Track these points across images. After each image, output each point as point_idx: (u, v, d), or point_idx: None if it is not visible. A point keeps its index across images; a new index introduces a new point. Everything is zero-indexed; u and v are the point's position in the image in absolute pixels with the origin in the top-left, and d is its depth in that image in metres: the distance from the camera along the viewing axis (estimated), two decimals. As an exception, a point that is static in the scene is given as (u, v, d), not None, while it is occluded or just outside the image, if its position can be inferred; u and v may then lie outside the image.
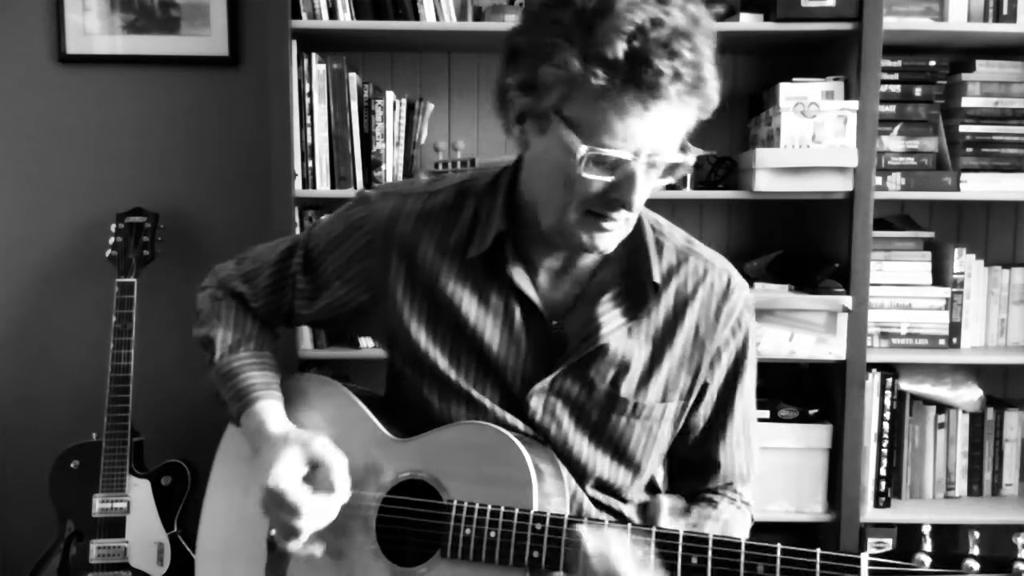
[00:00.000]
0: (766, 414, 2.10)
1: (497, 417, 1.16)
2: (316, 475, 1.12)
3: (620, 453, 1.19)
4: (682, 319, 1.18)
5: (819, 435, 2.10)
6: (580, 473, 1.18)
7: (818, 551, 0.97)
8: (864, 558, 0.96)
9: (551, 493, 1.11)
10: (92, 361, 2.30)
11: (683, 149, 1.06)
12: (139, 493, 2.10)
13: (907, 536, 2.14)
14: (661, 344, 1.17)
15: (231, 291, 1.31)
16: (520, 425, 1.16)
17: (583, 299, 1.17)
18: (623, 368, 1.16)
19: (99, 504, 2.08)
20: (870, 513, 2.13)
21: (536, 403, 1.16)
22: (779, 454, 2.09)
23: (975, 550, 0.94)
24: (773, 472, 2.08)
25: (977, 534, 0.95)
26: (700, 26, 0.98)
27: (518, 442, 1.10)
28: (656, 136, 1.00)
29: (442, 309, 1.18)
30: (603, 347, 1.15)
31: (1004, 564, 0.92)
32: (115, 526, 2.09)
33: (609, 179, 1.02)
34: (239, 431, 1.23)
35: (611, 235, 1.08)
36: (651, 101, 0.97)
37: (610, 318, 1.15)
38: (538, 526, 1.06)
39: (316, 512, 1.10)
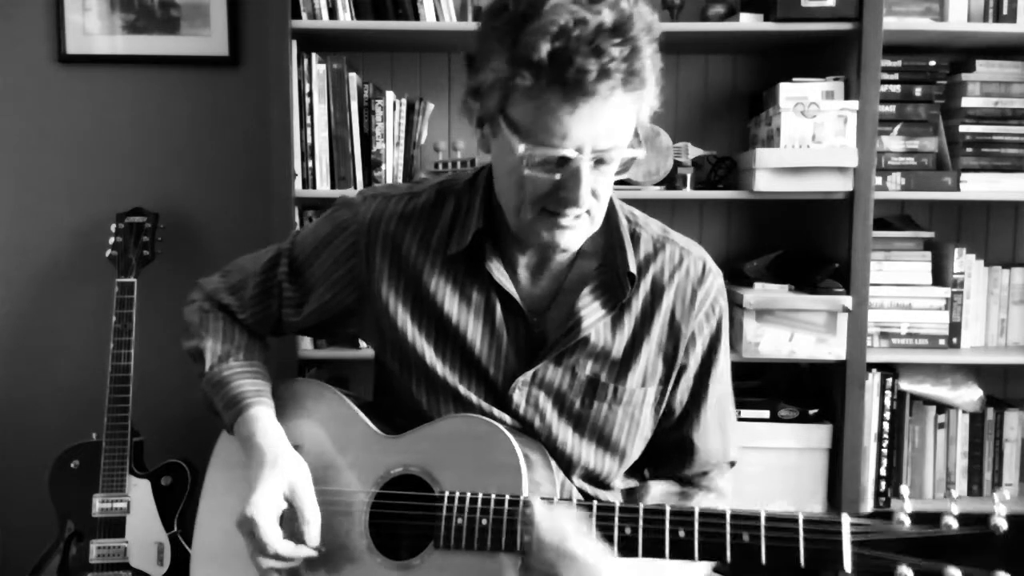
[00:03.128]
0: (766, 414, 2.10)
1: (484, 411, 1.18)
2: (291, 514, 1.14)
3: (604, 441, 1.21)
4: (659, 305, 1.20)
5: (819, 435, 2.09)
6: (566, 464, 1.20)
7: (800, 514, 0.99)
8: (845, 519, 0.97)
9: (540, 481, 1.13)
10: (92, 361, 2.30)
11: (634, 142, 1.08)
12: (139, 493, 2.10)
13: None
14: (640, 330, 1.20)
15: (218, 303, 1.34)
16: (507, 419, 1.18)
17: (562, 294, 1.19)
18: (603, 356, 1.18)
19: (99, 504, 2.08)
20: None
21: (519, 396, 1.18)
22: (779, 454, 2.09)
23: (954, 509, 0.96)
24: (773, 472, 2.08)
25: (955, 492, 0.97)
26: (632, 21, 0.99)
27: (506, 431, 1.12)
28: (598, 132, 1.01)
29: (426, 305, 1.20)
30: (585, 339, 1.17)
31: (982, 518, 0.94)
32: (115, 526, 2.08)
33: (556, 177, 1.04)
34: (233, 438, 1.25)
35: (572, 232, 1.10)
36: (580, 99, 0.98)
37: (591, 311, 1.17)
38: (528, 511, 1.07)
39: (280, 555, 1.12)
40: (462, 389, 1.19)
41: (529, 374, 1.18)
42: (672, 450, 1.28)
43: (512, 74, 0.99)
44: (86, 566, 2.07)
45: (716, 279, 1.24)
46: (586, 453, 1.20)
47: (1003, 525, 0.92)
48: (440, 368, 1.19)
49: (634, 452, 1.24)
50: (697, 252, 1.25)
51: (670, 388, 1.23)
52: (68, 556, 2.08)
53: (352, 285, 1.24)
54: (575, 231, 1.10)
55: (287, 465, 1.16)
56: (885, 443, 2.15)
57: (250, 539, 1.12)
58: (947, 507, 0.96)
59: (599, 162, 1.04)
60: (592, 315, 1.17)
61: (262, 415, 1.22)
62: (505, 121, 1.04)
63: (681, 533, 1.02)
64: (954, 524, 0.94)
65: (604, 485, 1.24)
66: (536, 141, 1.01)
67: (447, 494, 1.11)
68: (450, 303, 1.19)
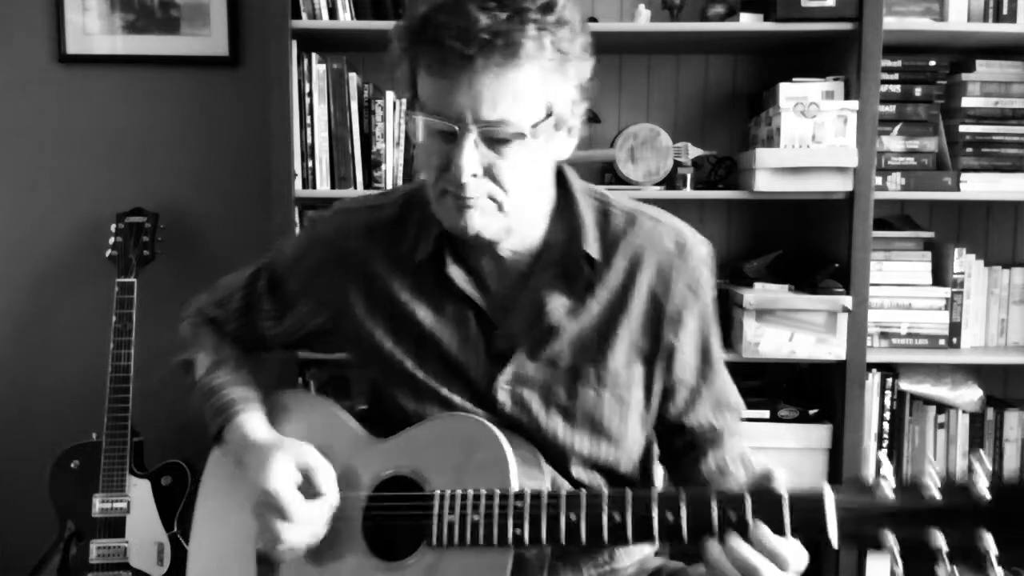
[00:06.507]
0: (766, 414, 2.10)
1: (470, 411, 1.18)
2: (305, 485, 1.14)
3: (597, 427, 1.19)
4: (635, 281, 1.17)
5: (819, 435, 2.09)
6: (561, 455, 1.19)
7: (785, 494, 0.97)
8: (828, 495, 0.95)
9: (531, 477, 1.12)
10: (92, 361, 2.30)
11: (550, 114, 1.06)
12: (139, 493, 2.10)
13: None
14: (618, 309, 1.17)
15: (207, 317, 1.37)
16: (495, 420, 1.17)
17: (527, 290, 1.18)
18: (579, 341, 1.17)
19: (99, 504, 2.08)
20: (870, 513, 2.13)
21: (504, 396, 1.18)
22: (779, 454, 2.09)
23: (935, 478, 0.95)
24: (773, 472, 2.08)
25: (932, 455, 0.95)
26: None
27: (493, 428, 1.12)
28: (478, 103, 1.01)
29: (401, 319, 1.21)
30: (554, 328, 1.16)
31: (964, 488, 0.92)
32: (115, 526, 2.09)
33: (445, 149, 1.05)
34: (222, 452, 1.26)
35: (476, 213, 1.08)
36: (452, 61, 1.00)
37: (554, 300, 1.16)
38: (519, 504, 1.06)
39: (306, 518, 1.12)
40: (445, 392, 1.19)
41: (509, 372, 1.17)
42: (692, 430, 1.24)
43: (397, 44, 1.06)
44: (86, 566, 2.07)
45: (695, 249, 1.20)
46: (579, 441, 1.19)
47: (986, 495, 0.90)
48: (423, 376, 1.20)
49: (630, 435, 1.21)
50: (671, 223, 1.21)
51: (662, 370, 1.20)
52: (68, 556, 2.08)
53: (326, 299, 1.25)
54: (479, 213, 1.08)
55: (291, 442, 1.17)
56: (885, 443, 2.15)
57: (270, 514, 1.11)
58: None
59: (492, 139, 1.04)
60: (556, 304, 1.16)
61: (253, 419, 1.22)
62: (419, 108, 1.07)
63: (669, 516, 1.01)
64: (937, 496, 0.93)
65: (609, 473, 1.23)
66: (425, 110, 1.05)
67: (438, 492, 1.10)
68: (424, 314, 1.19)
